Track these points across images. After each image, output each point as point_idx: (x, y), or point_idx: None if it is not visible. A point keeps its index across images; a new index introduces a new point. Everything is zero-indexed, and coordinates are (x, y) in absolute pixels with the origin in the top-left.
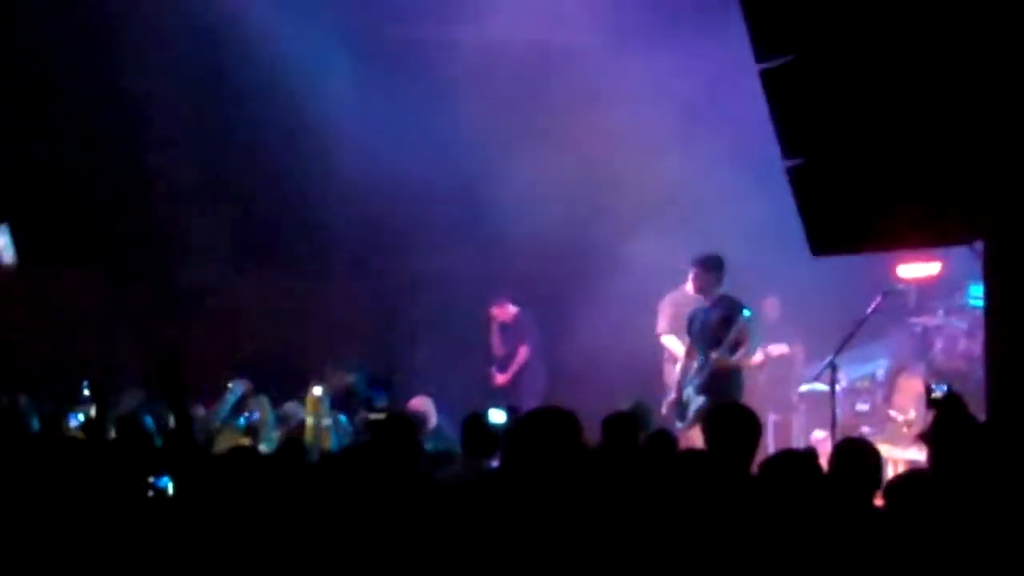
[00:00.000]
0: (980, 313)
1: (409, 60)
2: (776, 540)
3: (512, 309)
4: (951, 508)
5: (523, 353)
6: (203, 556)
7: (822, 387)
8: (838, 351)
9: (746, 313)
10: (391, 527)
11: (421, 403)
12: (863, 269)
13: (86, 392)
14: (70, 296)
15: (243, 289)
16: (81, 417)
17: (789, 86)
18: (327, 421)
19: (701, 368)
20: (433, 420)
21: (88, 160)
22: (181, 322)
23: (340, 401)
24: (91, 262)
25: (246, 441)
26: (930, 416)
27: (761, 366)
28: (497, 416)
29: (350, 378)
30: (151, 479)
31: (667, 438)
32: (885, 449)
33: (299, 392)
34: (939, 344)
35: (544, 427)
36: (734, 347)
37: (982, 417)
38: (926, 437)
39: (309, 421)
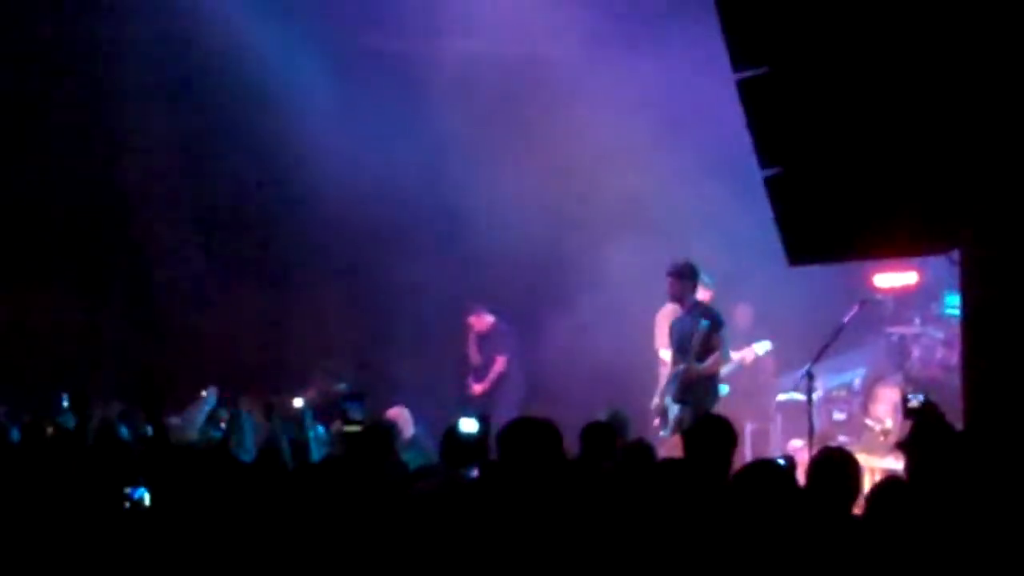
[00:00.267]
0: (957, 322)
1: (389, 71)
2: (753, 550)
3: (489, 319)
4: (929, 517)
5: (500, 363)
6: (178, 567)
7: (799, 396)
8: (815, 360)
9: (703, 323)
10: (368, 538)
11: (398, 413)
12: (840, 279)
13: (66, 403)
14: (49, 308)
15: (220, 300)
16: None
17: (766, 96)
18: (309, 433)
19: (675, 377)
20: (410, 430)
21: (64, 174)
22: (158, 333)
23: (327, 409)
24: (69, 275)
25: None
26: (907, 425)
27: (750, 366)
28: (468, 425)
29: (340, 386)
30: (127, 490)
31: (645, 448)
32: (862, 458)
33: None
34: (916, 353)
35: (526, 437)
36: (701, 355)
37: (959, 426)
38: (903, 447)
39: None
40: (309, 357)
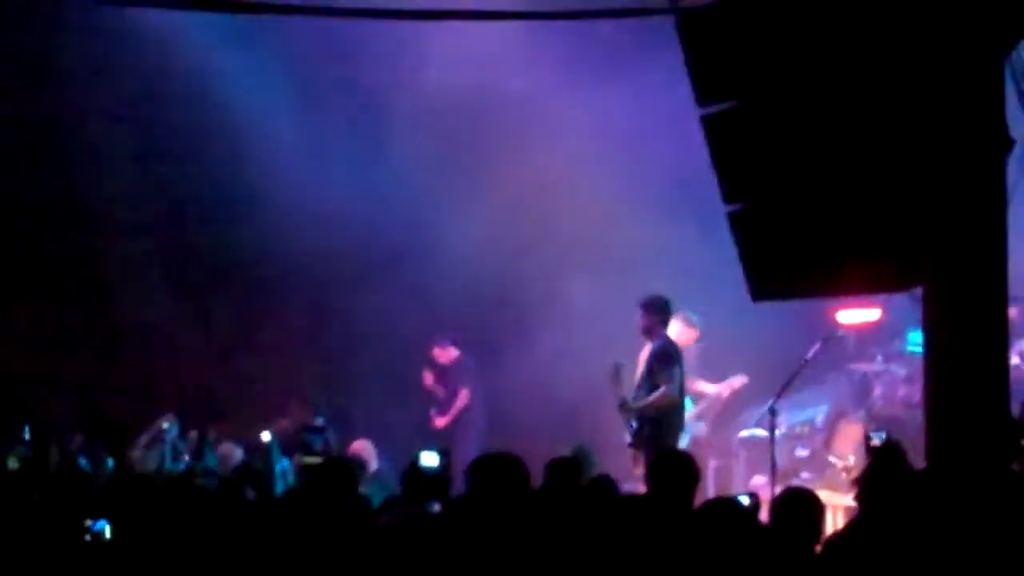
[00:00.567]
0: (919, 359)
1: (353, 102)
2: None
3: (453, 352)
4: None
5: (463, 396)
6: None
7: (762, 432)
8: (778, 396)
9: (651, 357)
10: (328, 572)
11: (362, 447)
12: (803, 315)
13: (27, 436)
14: (12, 338)
15: (182, 331)
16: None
17: (730, 132)
18: (276, 466)
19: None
20: (374, 464)
21: (23, 204)
22: (120, 364)
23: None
24: (30, 306)
25: None
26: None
27: (725, 399)
28: (429, 459)
29: (318, 419)
30: (88, 522)
31: (607, 484)
32: (825, 495)
33: (238, 430)
34: (878, 390)
35: (494, 473)
36: (651, 388)
37: (922, 463)
38: (857, 487)
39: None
40: (273, 389)
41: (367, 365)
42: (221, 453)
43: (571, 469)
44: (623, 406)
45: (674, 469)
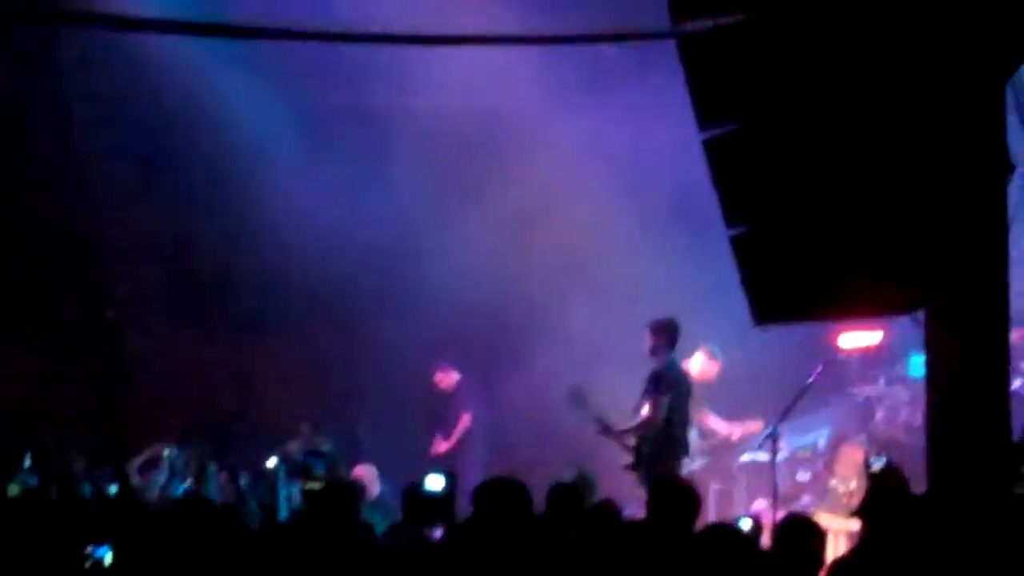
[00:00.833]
0: (921, 383)
1: (353, 126)
2: None
3: (455, 376)
4: None
5: (465, 420)
6: None
7: (763, 457)
8: (780, 420)
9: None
10: None
11: (364, 471)
12: (804, 338)
13: (28, 463)
14: (14, 364)
15: (185, 357)
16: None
17: (732, 155)
18: (282, 491)
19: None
20: (376, 489)
21: (28, 231)
22: (123, 391)
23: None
24: (34, 333)
25: None
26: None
27: (735, 441)
28: (435, 483)
29: (326, 445)
30: (89, 549)
31: (610, 509)
32: (826, 519)
33: (242, 455)
34: (880, 414)
35: (501, 497)
36: (637, 409)
37: (923, 487)
38: (858, 511)
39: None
40: (274, 414)
41: (368, 390)
42: (223, 480)
43: (572, 494)
44: (603, 430)
45: (675, 497)
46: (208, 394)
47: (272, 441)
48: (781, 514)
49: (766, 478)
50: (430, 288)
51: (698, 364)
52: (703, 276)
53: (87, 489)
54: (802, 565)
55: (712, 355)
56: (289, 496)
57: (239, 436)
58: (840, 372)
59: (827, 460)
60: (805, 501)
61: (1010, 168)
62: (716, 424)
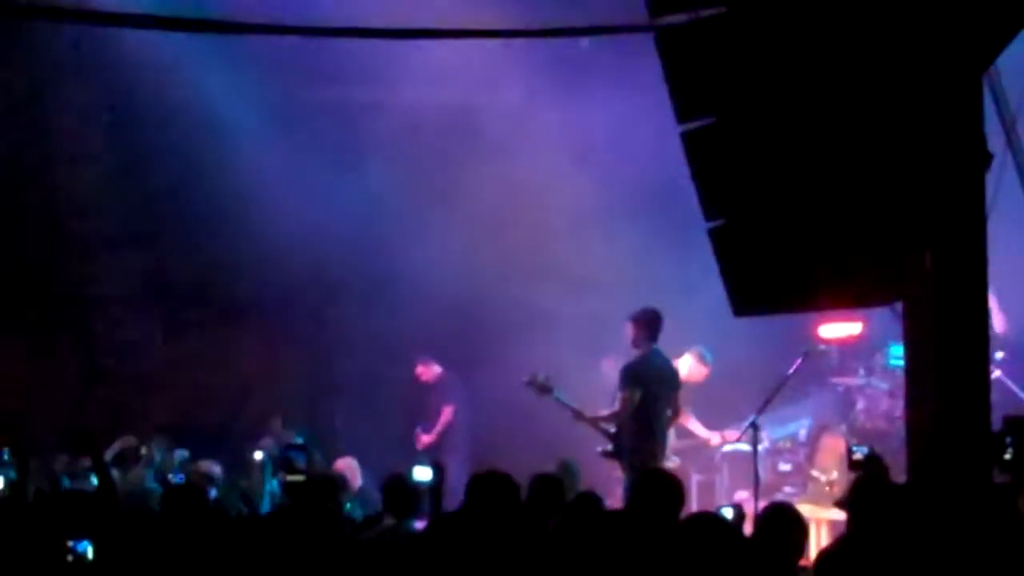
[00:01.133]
0: (901, 373)
1: (331, 121)
2: None
3: (437, 369)
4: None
5: (447, 413)
6: None
7: (745, 447)
8: (760, 411)
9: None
10: None
11: (346, 464)
12: (785, 329)
13: (6, 456)
14: None
15: (164, 350)
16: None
17: (710, 148)
18: (266, 485)
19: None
20: (358, 481)
21: (7, 226)
22: (103, 385)
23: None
24: (13, 327)
25: None
26: (852, 477)
27: (714, 446)
28: (422, 473)
29: (297, 438)
30: (70, 543)
31: (592, 500)
32: (808, 509)
33: (218, 449)
34: (861, 404)
35: (494, 489)
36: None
37: (903, 478)
38: (844, 502)
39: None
40: (255, 408)
41: (349, 382)
42: (196, 470)
43: (555, 485)
44: (577, 416)
45: (658, 490)
46: (185, 388)
47: (245, 435)
48: (763, 504)
49: (748, 468)
50: (408, 281)
51: (686, 366)
52: (682, 268)
53: (67, 483)
54: (784, 553)
55: (701, 358)
56: (271, 490)
57: (217, 430)
58: (821, 363)
59: (808, 450)
60: (787, 491)
61: (988, 159)
62: (695, 427)
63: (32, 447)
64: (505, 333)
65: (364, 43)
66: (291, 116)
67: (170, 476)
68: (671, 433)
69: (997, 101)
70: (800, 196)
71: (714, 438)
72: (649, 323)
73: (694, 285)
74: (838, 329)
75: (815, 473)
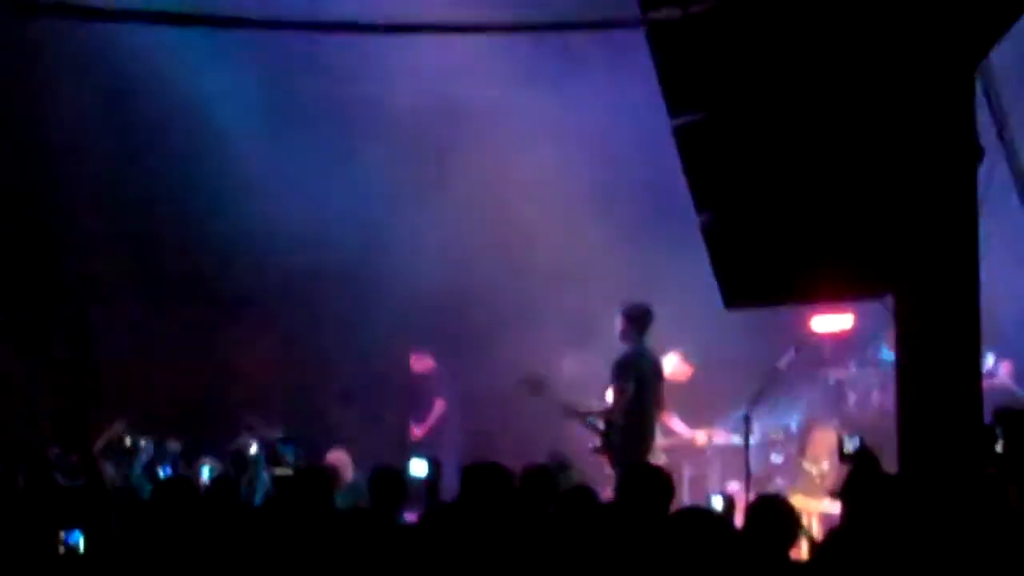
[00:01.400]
0: (892, 366)
1: (322, 114)
2: None
3: (429, 361)
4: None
5: (440, 406)
6: None
7: (736, 440)
8: (752, 404)
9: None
10: None
11: (337, 457)
12: (776, 322)
13: None
14: None
15: (156, 340)
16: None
17: (701, 142)
18: (260, 477)
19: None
20: (350, 474)
21: None
22: (94, 378)
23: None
24: (4, 320)
25: None
26: (843, 469)
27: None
28: (418, 468)
29: (277, 432)
30: (62, 534)
31: (585, 492)
32: (799, 501)
33: (211, 443)
34: (852, 397)
35: (491, 482)
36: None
37: (895, 470)
38: (839, 493)
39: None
40: (248, 401)
41: (342, 375)
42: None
43: (547, 477)
44: (568, 413)
45: (647, 484)
46: (177, 380)
47: (236, 428)
48: (753, 496)
49: (739, 461)
50: (399, 274)
51: (671, 365)
52: (673, 262)
53: (58, 476)
54: (775, 544)
55: (687, 358)
56: (265, 483)
57: (209, 422)
58: (812, 356)
59: (800, 443)
60: (778, 483)
61: (979, 153)
62: (679, 427)
63: (21, 439)
64: (496, 325)
65: (357, 38)
66: (285, 110)
67: (159, 469)
68: (658, 430)
69: (989, 96)
70: (792, 190)
71: (699, 436)
72: (639, 318)
73: (683, 278)
74: (830, 322)
75: (806, 465)
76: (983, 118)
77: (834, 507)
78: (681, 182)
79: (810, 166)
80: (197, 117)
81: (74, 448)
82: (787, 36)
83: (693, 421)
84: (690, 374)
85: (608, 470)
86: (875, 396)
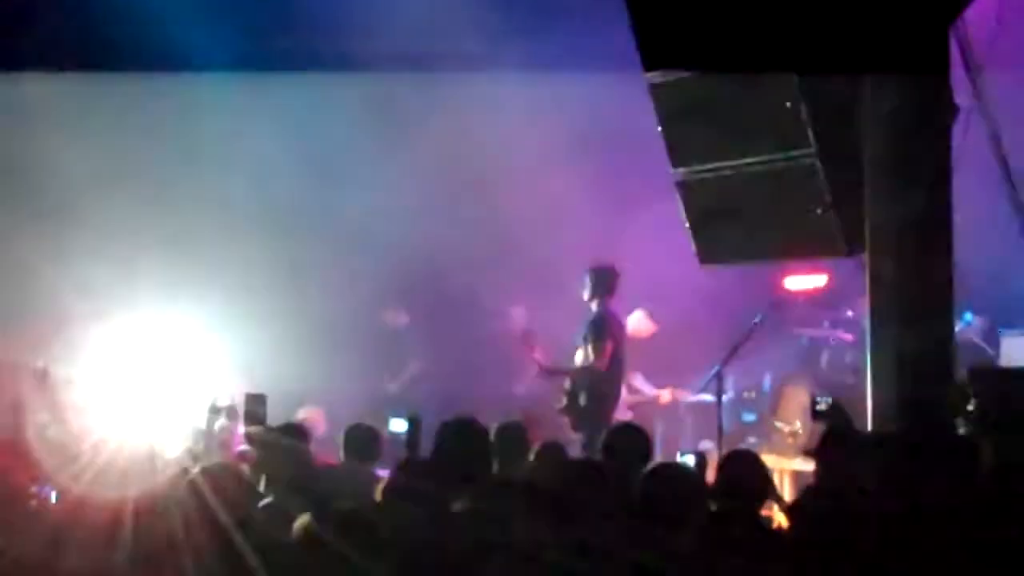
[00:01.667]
0: (866, 325)
1: (296, 70)
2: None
3: (404, 317)
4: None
5: (415, 361)
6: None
7: (709, 397)
8: (724, 362)
9: (587, 326)
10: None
11: (311, 413)
12: (750, 280)
13: None
14: None
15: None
16: None
17: (677, 99)
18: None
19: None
20: (322, 429)
21: None
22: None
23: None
24: None
25: None
26: (815, 427)
27: (664, 404)
28: (398, 426)
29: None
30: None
31: (557, 447)
32: (771, 460)
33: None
34: (825, 356)
35: (466, 437)
36: (584, 356)
37: (866, 429)
38: (812, 452)
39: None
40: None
41: (314, 331)
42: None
43: (521, 433)
44: (541, 370)
45: (627, 443)
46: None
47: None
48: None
49: (712, 419)
50: (372, 228)
51: (635, 321)
52: (653, 216)
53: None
54: (746, 497)
55: (650, 315)
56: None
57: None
58: (786, 314)
59: (772, 401)
60: (750, 442)
61: (954, 111)
62: (642, 384)
63: None
64: (468, 279)
65: None
66: (257, 65)
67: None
68: (623, 390)
69: (964, 53)
70: (766, 147)
71: (664, 395)
72: (605, 279)
73: (663, 232)
74: (804, 281)
75: (778, 424)
76: (957, 75)
77: (806, 465)
78: (654, 138)
79: (783, 122)
80: (170, 73)
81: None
82: None
83: (664, 379)
84: (654, 331)
85: (571, 432)
86: (848, 355)
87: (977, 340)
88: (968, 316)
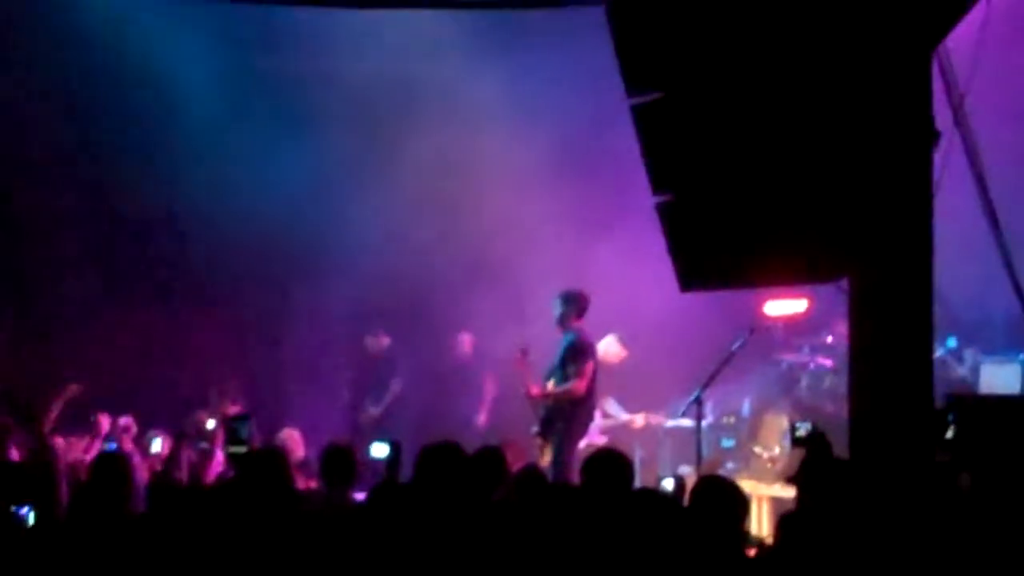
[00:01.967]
0: (845, 351)
1: (275, 90)
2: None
3: (385, 341)
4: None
5: (396, 386)
6: None
7: (688, 423)
8: (704, 387)
9: (564, 345)
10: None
11: (289, 435)
12: (730, 305)
13: None
14: None
15: (112, 319)
16: None
17: (659, 122)
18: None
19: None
20: (301, 452)
21: None
22: (47, 356)
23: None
24: None
25: None
26: (795, 454)
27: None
28: (379, 450)
29: (236, 408)
30: (12, 508)
31: (535, 473)
32: (750, 485)
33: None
34: (804, 381)
35: (439, 462)
36: (562, 379)
37: (846, 456)
38: (792, 478)
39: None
40: (198, 378)
41: (295, 355)
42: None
43: (499, 458)
44: (530, 395)
45: (609, 469)
46: (127, 358)
47: (184, 406)
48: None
49: (690, 444)
50: (351, 253)
51: (606, 346)
52: (628, 244)
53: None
54: (722, 522)
55: (624, 342)
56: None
57: (161, 399)
58: (765, 340)
59: (751, 427)
60: (729, 467)
61: (935, 136)
62: (614, 410)
63: None
64: (447, 303)
65: (311, 12)
66: (236, 85)
67: (105, 444)
68: (597, 414)
69: (945, 78)
70: (748, 172)
71: (637, 420)
72: (575, 302)
73: (643, 257)
74: (783, 306)
75: (757, 449)
76: (939, 100)
77: (785, 492)
78: (632, 159)
79: (766, 148)
80: (154, 94)
81: (26, 423)
82: (746, 15)
83: (637, 405)
84: (624, 357)
85: (543, 458)
86: (828, 380)
87: (957, 366)
88: (951, 342)
